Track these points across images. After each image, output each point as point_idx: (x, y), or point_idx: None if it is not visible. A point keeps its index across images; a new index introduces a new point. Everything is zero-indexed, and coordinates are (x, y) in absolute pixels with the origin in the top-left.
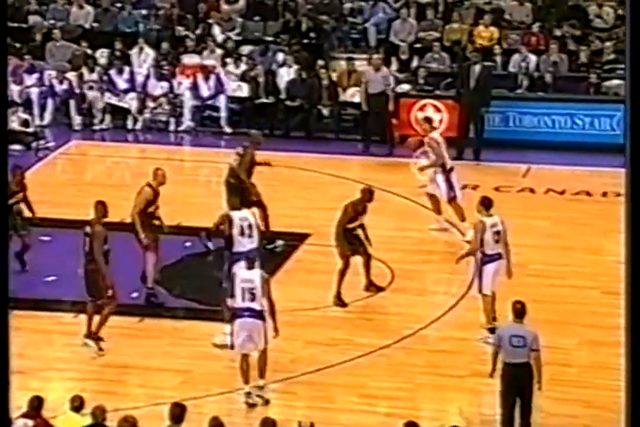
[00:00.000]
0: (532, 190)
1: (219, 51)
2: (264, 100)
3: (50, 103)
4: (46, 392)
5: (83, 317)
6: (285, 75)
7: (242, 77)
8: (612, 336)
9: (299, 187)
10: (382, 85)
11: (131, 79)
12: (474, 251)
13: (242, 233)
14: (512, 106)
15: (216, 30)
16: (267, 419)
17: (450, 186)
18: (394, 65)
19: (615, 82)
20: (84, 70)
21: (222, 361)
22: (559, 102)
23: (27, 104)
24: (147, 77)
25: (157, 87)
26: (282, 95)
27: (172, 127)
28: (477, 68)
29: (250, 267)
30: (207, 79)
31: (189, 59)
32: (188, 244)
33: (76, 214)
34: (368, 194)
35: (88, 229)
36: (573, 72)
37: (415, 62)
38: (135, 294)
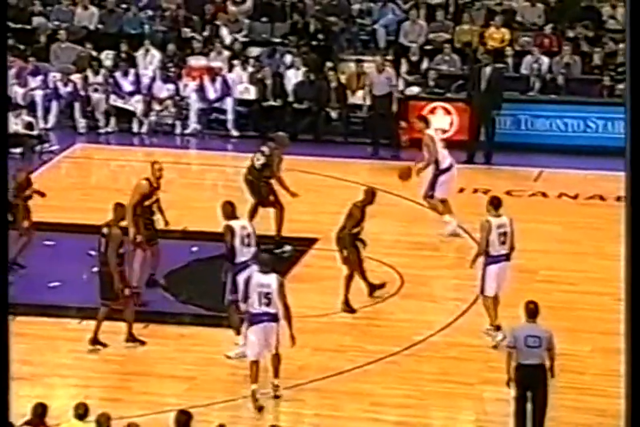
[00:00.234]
0: (544, 195)
1: (225, 53)
2: (272, 102)
3: (54, 106)
4: (50, 399)
5: (86, 323)
6: (293, 77)
7: (250, 80)
8: None
9: (306, 191)
10: (387, 87)
11: (137, 81)
12: (481, 251)
13: (242, 242)
14: (523, 109)
15: (223, 31)
16: None
17: (432, 185)
18: (404, 67)
19: None
20: (89, 72)
21: (228, 368)
22: (571, 105)
23: (31, 107)
24: (153, 79)
25: (163, 90)
26: (290, 98)
27: (178, 130)
28: (488, 70)
29: (265, 271)
30: (213, 81)
31: (196, 61)
32: (194, 248)
33: (80, 219)
34: (371, 195)
35: (105, 230)
36: (586, 75)
37: (425, 64)
38: (146, 300)
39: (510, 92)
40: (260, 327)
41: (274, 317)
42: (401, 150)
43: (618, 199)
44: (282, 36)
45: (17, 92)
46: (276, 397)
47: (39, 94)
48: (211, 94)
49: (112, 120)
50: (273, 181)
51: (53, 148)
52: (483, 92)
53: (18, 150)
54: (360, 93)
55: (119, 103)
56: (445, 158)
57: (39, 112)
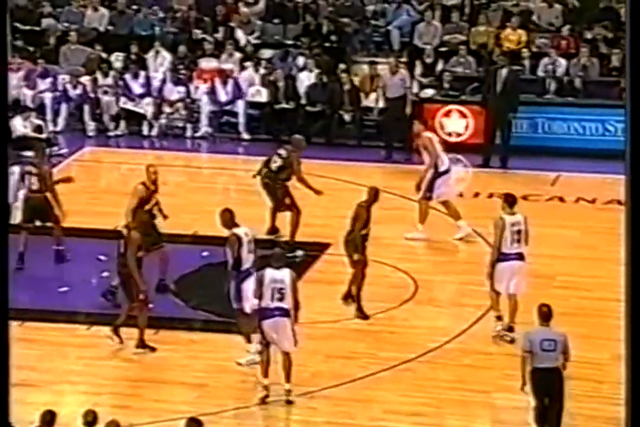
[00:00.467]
0: (561, 199)
1: (237, 55)
2: (284, 105)
3: (63, 108)
4: (59, 406)
5: (96, 329)
6: (306, 79)
7: (262, 82)
8: None
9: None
10: (400, 89)
11: (147, 84)
12: (495, 249)
13: (248, 250)
14: (540, 112)
15: (238, 33)
16: None
17: (430, 187)
18: (418, 70)
19: None
20: (99, 74)
21: (239, 375)
22: (589, 108)
23: (40, 109)
24: (164, 81)
25: (174, 92)
26: (303, 101)
27: (188, 133)
28: (504, 72)
29: (278, 267)
30: (225, 83)
31: (207, 63)
32: (205, 253)
33: (90, 223)
34: (374, 193)
35: (125, 232)
36: (604, 77)
37: (440, 66)
38: (150, 305)
39: (526, 95)
40: (272, 321)
41: (286, 312)
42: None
43: None
44: (294, 38)
45: (26, 94)
46: (288, 402)
47: (48, 97)
48: (222, 97)
49: (122, 123)
50: (289, 184)
51: (62, 151)
52: (499, 94)
53: (27, 153)
54: (373, 95)
55: (129, 106)
56: (444, 160)
57: (48, 115)
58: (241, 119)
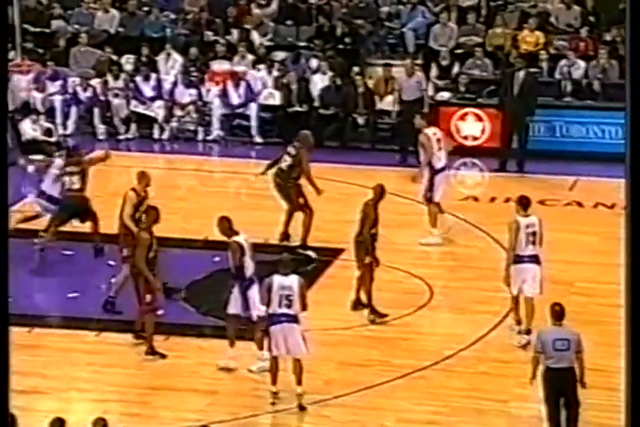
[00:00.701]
0: (579, 204)
1: (249, 57)
2: (297, 108)
3: (73, 111)
4: (68, 414)
5: (105, 335)
6: (319, 82)
7: (274, 84)
8: None
9: (331, 199)
10: (417, 92)
11: (158, 86)
12: (510, 251)
13: (251, 257)
14: (558, 115)
15: (253, 35)
16: None
17: (430, 187)
18: (434, 72)
19: None
20: (109, 77)
21: (250, 383)
22: (608, 111)
23: (49, 112)
24: (175, 84)
25: (185, 95)
26: (316, 103)
27: (200, 136)
28: (521, 75)
29: (286, 273)
30: (237, 86)
31: (219, 65)
32: (217, 259)
33: (100, 228)
34: (380, 191)
35: (135, 233)
36: (624, 79)
37: (456, 69)
38: (160, 312)
39: (544, 98)
40: (279, 327)
41: (294, 319)
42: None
43: None
44: (307, 40)
45: (35, 97)
46: (301, 408)
47: (57, 99)
48: (234, 100)
49: (133, 127)
50: (301, 182)
51: None
52: (516, 97)
53: (37, 157)
54: (388, 98)
55: (140, 109)
56: (441, 159)
57: (58, 118)
58: (253, 122)
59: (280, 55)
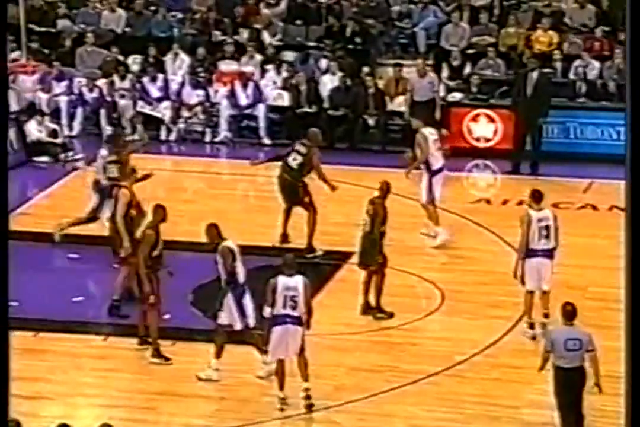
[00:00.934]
0: (594, 207)
1: (258, 57)
2: (306, 109)
3: (79, 112)
4: (73, 419)
5: (111, 340)
6: (329, 82)
7: (283, 85)
8: None
9: (341, 201)
10: (429, 93)
11: (165, 87)
12: (522, 245)
13: (242, 262)
14: (572, 116)
15: (264, 35)
16: None
17: (430, 188)
18: (445, 73)
19: None
20: (115, 77)
21: (259, 388)
22: (623, 112)
23: (55, 113)
24: (182, 84)
25: (193, 96)
26: (325, 104)
27: (208, 138)
28: (534, 75)
29: (290, 274)
30: (245, 86)
31: (227, 66)
32: None
33: (106, 231)
34: (386, 187)
35: (142, 230)
36: None
37: (467, 69)
38: (167, 316)
39: (558, 99)
40: (283, 328)
41: (298, 321)
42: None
43: None
44: (317, 39)
45: (41, 98)
46: (309, 406)
47: (63, 100)
48: (243, 100)
49: (139, 128)
50: (307, 181)
51: (78, 156)
52: (529, 98)
53: (42, 158)
54: (400, 99)
55: (147, 110)
56: (438, 160)
57: (64, 119)
58: (262, 124)
59: (289, 55)
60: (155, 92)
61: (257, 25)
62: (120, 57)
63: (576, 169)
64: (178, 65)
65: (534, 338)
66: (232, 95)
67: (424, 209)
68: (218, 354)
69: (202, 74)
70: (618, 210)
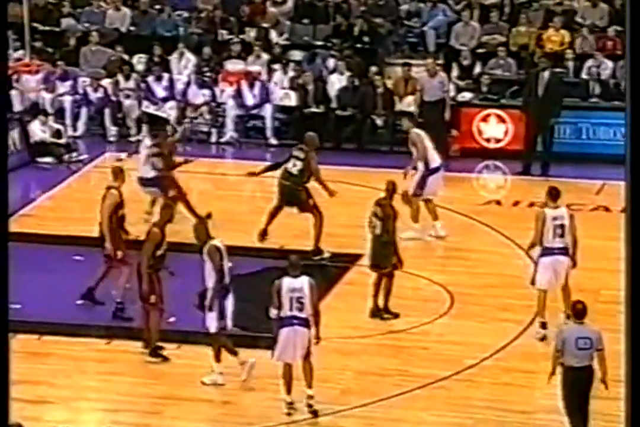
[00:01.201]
0: (607, 209)
1: (265, 57)
2: (313, 109)
3: (84, 112)
4: (77, 424)
5: (115, 344)
6: (337, 82)
7: (290, 85)
8: None
9: (349, 203)
10: (439, 92)
11: (170, 87)
12: (535, 242)
13: (228, 261)
14: (584, 117)
15: (265, 34)
16: None
17: (421, 185)
18: (455, 72)
19: None
20: (120, 77)
21: (265, 392)
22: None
23: (59, 113)
24: (188, 84)
25: (198, 96)
26: (333, 104)
27: (213, 138)
28: (546, 75)
29: (295, 275)
30: (251, 86)
31: (233, 65)
32: (230, 264)
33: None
34: (392, 187)
35: (149, 229)
36: None
37: (478, 69)
38: (172, 319)
39: (570, 99)
40: (290, 329)
41: (305, 322)
42: (451, 161)
43: None
44: (324, 39)
45: (44, 97)
46: (313, 413)
47: (67, 100)
48: (249, 100)
49: (144, 128)
50: (309, 186)
51: (82, 157)
52: (540, 98)
53: (46, 159)
54: (408, 99)
55: (152, 109)
56: (435, 158)
57: (68, 119)
58: (268, 124)
59: (296, 54)
60: (160, 91)
61: (264, 24)
62: (125, 57)
63: (588, 170)
64: (184, 64)
65: (543, 339)
66: (238, 95)
67: (407, 204)
68: (217, 358)
69: (208, 74)
70: None
